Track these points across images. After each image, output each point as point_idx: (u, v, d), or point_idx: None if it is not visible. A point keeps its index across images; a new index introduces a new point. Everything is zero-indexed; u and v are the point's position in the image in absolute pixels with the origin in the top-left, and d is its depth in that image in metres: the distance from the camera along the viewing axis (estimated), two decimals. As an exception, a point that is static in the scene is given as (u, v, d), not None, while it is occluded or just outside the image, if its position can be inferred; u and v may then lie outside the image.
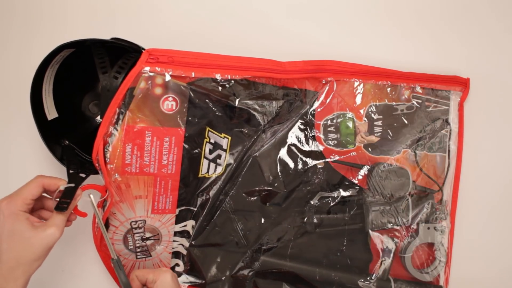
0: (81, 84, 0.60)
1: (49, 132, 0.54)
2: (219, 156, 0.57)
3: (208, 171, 0.57)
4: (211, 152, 0.57)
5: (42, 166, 0.60)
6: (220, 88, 0.55)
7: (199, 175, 0.56)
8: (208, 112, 0.55)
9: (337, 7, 0.65)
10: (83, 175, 0.51)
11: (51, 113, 0.56)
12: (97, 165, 0.52)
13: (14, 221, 0.44)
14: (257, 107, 0.57)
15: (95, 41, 0.52)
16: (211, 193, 0.57)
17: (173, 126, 0.54)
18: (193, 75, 0.53)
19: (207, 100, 0.55)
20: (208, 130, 0.56)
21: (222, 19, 0.64)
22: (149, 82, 0.51)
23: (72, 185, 0.49)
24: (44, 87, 0.54)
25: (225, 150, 0.57)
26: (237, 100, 0.55)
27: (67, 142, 0.57)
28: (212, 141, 0.56)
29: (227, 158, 0.57)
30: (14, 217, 0.44)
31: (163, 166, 0.54)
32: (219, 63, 0.54)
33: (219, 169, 0.57)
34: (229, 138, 0.57)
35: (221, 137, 0.57)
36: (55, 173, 0.55)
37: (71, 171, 0.51)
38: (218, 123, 0.56)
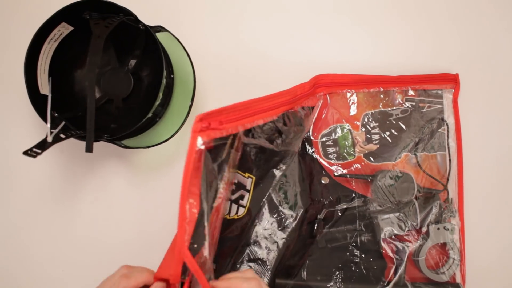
0: (78, 69, 0.60)
1: (40, 102, 0.54)
2: (241, 197, 0.54)
3: (229, 213, 0.54)
4: (233, 192, 0.54)
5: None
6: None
7: (227, 217, 0.54)
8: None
9: (318, 14, 0.66)
10: (63, 136, 0.51)
11: (44, 89, 0.56)
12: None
13: None
14: (266, 142, 0.53)
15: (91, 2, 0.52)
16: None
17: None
18: (240, 130, 0.45)
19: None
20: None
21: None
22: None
23: (50, 140, 0.49)
24: (39, 63, 0.54)
25: (248, 191, 0.54)
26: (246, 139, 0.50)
27: (56, 114, 0.56)
28: (235, 181, 0.54)
29: (250, 199, 0.54)
30: None
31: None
32: (260, 108, 0.48)
33: (241, 211, 0.55)
34: (253, 178, 0.54)
35: (245, 177, 0.54)
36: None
37: (52, 129, 0.51)
38: (242, 163, 0.53)
